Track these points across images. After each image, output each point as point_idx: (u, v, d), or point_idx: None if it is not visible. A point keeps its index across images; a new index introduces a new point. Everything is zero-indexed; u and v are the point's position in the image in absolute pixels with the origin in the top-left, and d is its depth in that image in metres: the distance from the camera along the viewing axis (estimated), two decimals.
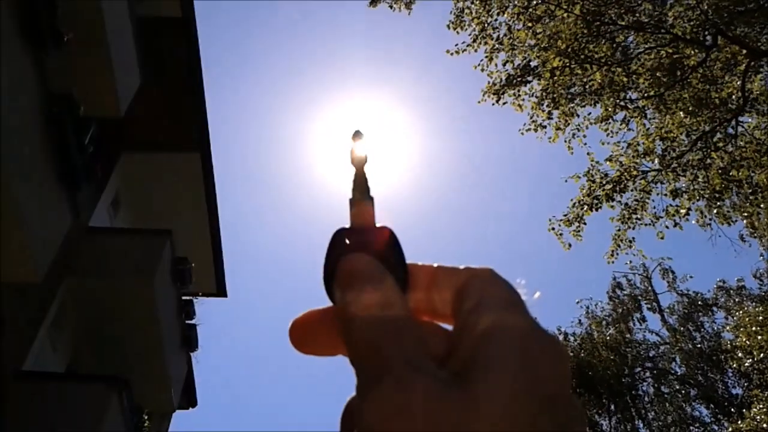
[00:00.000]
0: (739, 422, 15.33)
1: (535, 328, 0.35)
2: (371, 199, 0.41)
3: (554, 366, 0.33)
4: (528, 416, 0.30)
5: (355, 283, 0.37)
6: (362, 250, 0.39)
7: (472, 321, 0.36)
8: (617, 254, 12.69)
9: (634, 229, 12.41)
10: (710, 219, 12.29)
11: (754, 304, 18.45)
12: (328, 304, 0.40)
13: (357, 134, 0.42)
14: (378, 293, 0.36)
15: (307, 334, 0.41)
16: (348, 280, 0.37)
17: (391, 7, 12.89)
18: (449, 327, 0.39)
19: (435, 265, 0.41)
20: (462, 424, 0.30)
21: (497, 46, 12.00)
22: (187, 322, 12.15)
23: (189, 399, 14.49)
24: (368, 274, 0.37)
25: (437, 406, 0.30)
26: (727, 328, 18.54)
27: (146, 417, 10.09)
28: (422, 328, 0.39)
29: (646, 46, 11.62)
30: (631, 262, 21.76)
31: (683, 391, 21.44)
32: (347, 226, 0.41)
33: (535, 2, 11.58)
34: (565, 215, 12.35)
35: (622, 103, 12.04)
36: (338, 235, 0.40)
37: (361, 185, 0.41)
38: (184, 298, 11.88)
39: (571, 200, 12.40)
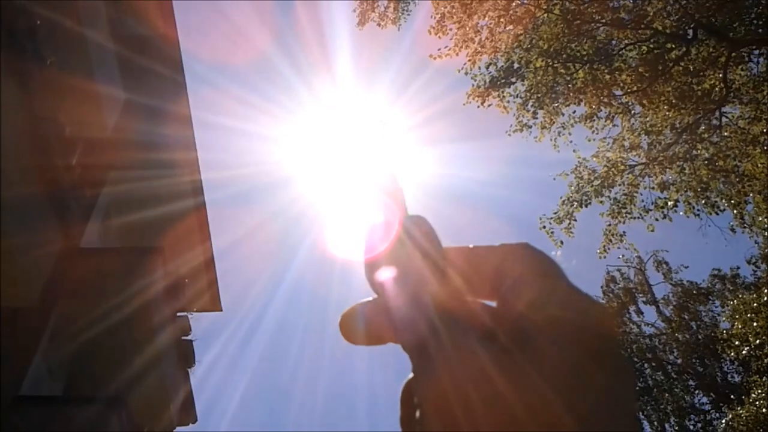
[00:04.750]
0: (739, 409, 15.38)
1: (576, 292, 0.37)
2: (401, 189, 0.43)
3: (601, 325, 0.35)
4: (584, 372, 0.32)
5: (399, 272, 0.39)
6: (399, 240, 0.40)
7: (515, 296, 0.37)
8: (609, 249, 12.79)
9: (624, 223, 12.50)
10: (698, 210, 12.38)
11: (748, 291, 18.48)
12: (363, 298, 0.42)
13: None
14: (421, 280, 0.38)
15: (356, 326, 0.42)
16: (391, 270, 0.39)
17: (378, 24, 12.94)
18: (492, 304, 0.41)
19: (470, 246, 0.42)
20: (521, 386, 0.32)
21: (479, 49, 12.06)
22: (182, 338, 12.11)
23: (189, 415, 14.42)
24: (411, 262, 0.39)
25: (495, 374, 0.32)
26: (723, 317, 18.59)
27: None
28: (467, 307, 0.40)
29: (627, 42, 11.70)
30: (623, 255, 21.86)
31: (682, 381, 21.48)
32: (381, 218, 0.42)
33: (514, 3, 11.64)
34: (555, 213, 12.42)
35: (605, 100, 12.12)
36: (374, 227, 0.42)
37: (390, 179, 0.43)
38: (178, 314, 11.85)
39: (561, 198, 12.50)
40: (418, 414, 0.35)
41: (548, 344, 0.33)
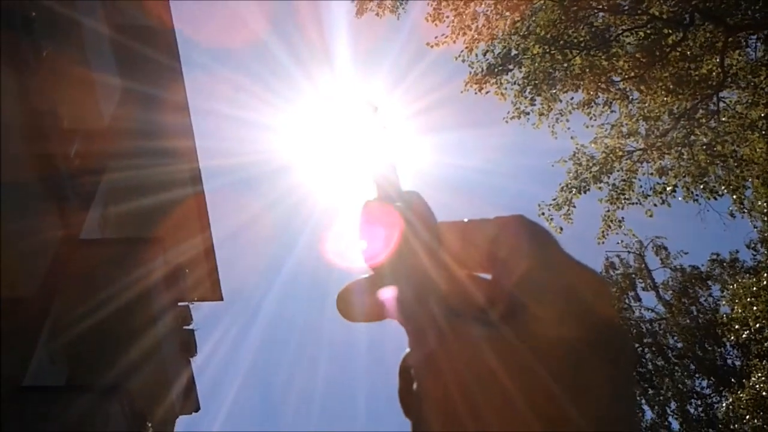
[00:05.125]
0: (740, 392, 15.43)
1: (574, 263, 0.36)
2: (394, 166, 0.43)
3: (598, 298, 0.34)
4: (579, 349, 0.32)
5: (395, 249, 0.39)
6: (394, 217, 0.40)
7: (510, 267, 0.37)
8: (608, 235, 12.83)
9: (622, 209, 12.53)
10: (697, 195, 12.40)
11: (748, 275, 18.47)
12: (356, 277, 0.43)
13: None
14: (417, 256, 0.38)
15: (353, 303, 0.42)
16: (386, 247, 0.39)
17: (377, 15, 12.85)
18: (488, 276, 0.41)
19: (465, 220, 0.42)
20: (513, 360, 0.32)
21: (476, 36, 12.01)
22: (184, 327, 12.19)
23: (191, 404, 14.53)
24: (405, 239, 0.39)
25: (488, 347, 0.32)
26: (723, 302, 18.60)
27: (149, 424, 10.14)
28: (462, 281, 0.40)
29: (624, 28, 11.65)
30: (622, 241, 21.84)
31: (682, 366, 21.55)
32: (375, 196, 0.42)
33: None
34: (554, 200, 12.45)
35: (603, 86, 12.10)
36: (369, 205, 0.42)
37: (385, 164, 0.43)
38: (179, 304, 11.92)
39: (559, 184, 12.52)
40: (415, 386, 0.35)
41: (545, 312, 0.33)
